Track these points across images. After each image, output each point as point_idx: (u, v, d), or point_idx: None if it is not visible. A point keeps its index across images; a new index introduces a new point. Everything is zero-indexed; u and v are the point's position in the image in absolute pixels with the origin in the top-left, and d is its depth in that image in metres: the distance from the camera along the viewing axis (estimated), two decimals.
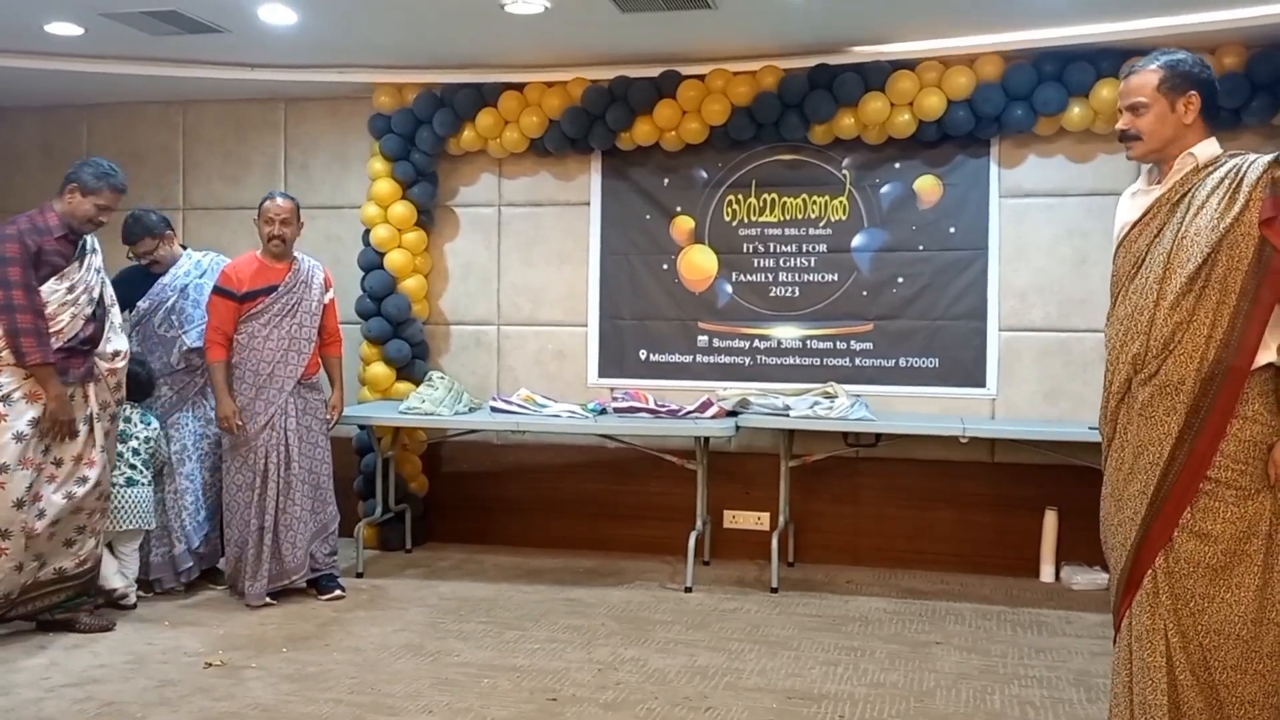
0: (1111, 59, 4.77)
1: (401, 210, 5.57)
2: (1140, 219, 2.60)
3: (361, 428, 5.47)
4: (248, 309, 4.57)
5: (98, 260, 4.21)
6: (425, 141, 5.54)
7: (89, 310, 4.09)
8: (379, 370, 5.58)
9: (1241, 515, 2.42)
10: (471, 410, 5.28)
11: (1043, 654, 3.99)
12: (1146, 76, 2.57)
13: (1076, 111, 4.86)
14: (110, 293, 4.26)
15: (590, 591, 4.83)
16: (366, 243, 5.61)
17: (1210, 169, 2.52)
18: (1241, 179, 2.44)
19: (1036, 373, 5.16)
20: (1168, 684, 2.45)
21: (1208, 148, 2.56)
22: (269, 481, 4.54)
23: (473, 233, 5.83)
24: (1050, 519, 5.02)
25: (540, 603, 4.65)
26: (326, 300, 4.79)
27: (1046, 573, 5.02)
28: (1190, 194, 2.51)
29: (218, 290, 4.59)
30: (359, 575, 5.02)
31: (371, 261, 5.59)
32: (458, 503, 5.79)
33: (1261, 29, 4.36)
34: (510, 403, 5.20)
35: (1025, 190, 5.16)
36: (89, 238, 4.18)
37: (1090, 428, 4.68)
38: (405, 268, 5.59)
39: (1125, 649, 2.56)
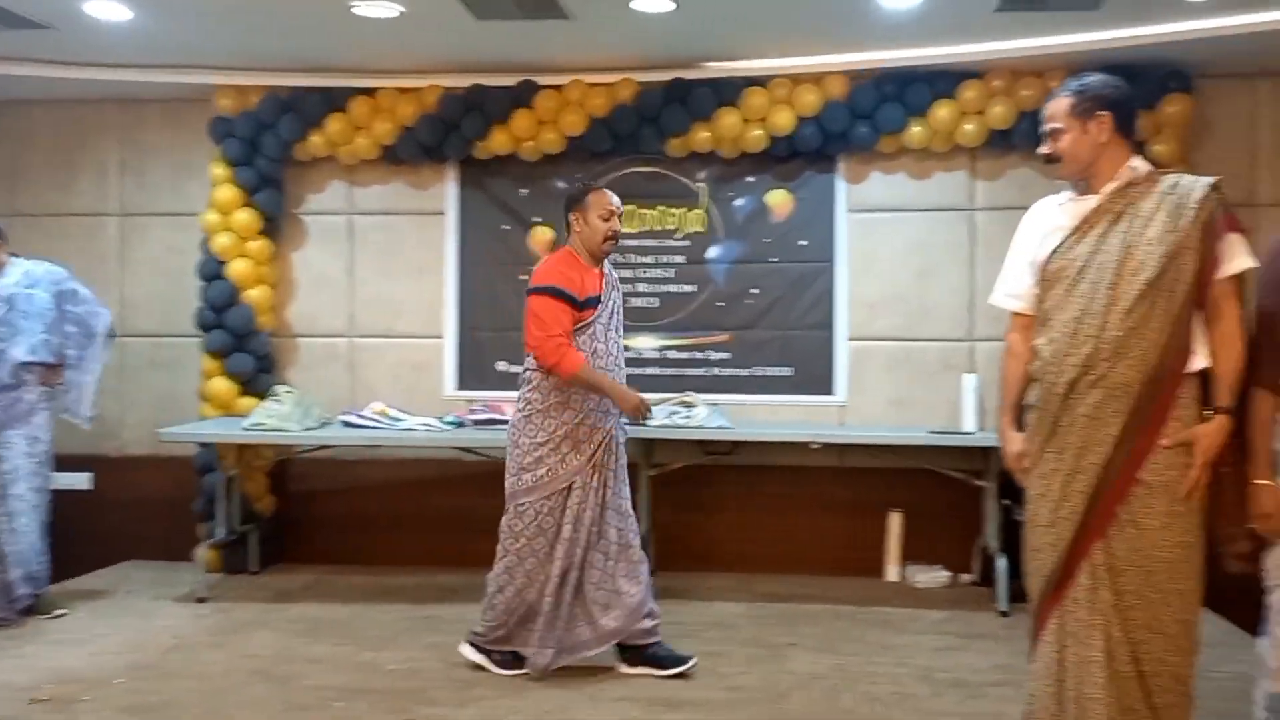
0: (947, 81, 5.02)
1: (245, 218, 5.36)
2: (1078, 227, 2.69)
3: (203, 446, 5.23)
4: (582, 318, 3.79)
5: None
6: (270, 147, 5.35)
7: None
8: (220, 385, 5.35)
9: (1174, 521, 2.55)
10: (322, 426, 5.11)
11: (889, 651, 4.13)
12: (1059, 103, 2.72)
13: (916, 130, 5.08)
14: None
15: (451, 609, 4.74)
16: (207, 252, 5.37)
17: (1149, 184, 2.66)
18: (1187, 197, 2.59)
19: (883, 381, 5.35)
20: (1107, 677, 2.54)
21: (1141, 163, 2.71)
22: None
23: (323, 242, 5.66)
24: (895, 521, 5.21)
25: (398, 622, 4.53)
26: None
27: (892, 573, 5.22)
28: (1133, 206, 2.63)
29: (557, 293, 3.74)
30: (200, 600, 4.79)
31: (212, 271, 5.36)
32: (309, 522, 5.60)
33: (1084, 55, 4.64)
34: (364, 417, 5.05)
35: (871, 205, 5.35)
36: None
37: (932, 431, 4.91)
38: (249, 278, 5.38)
39: (1056, 647, 2.63)
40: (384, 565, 5.46)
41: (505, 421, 4.97)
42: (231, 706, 3.51)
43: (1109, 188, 2.68)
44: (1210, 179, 2.62)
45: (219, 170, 5.39)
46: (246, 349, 5.38)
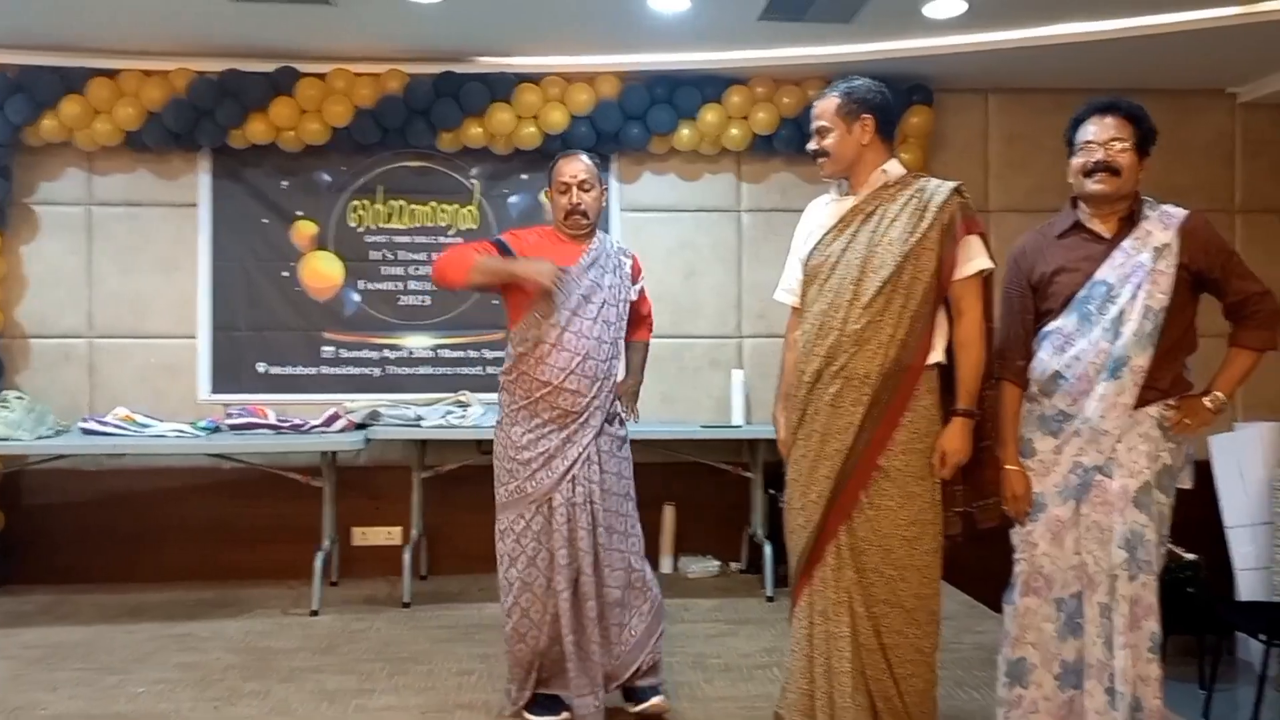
0: (714, 86, 5.17)
1: None
2: (835, 225, 2.81)
3: None
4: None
5: None
6: None
7: None
8: None
9: (908, 502, 2.69)
10: (58, 434, 4.68)
11: (665, 640, 4.19)
12: (828, 102, 2.82)
13: (685, 133, 5.21)
14: None
15: (205, 625, 4.44)
16: None
17: (900, 186, 2.78)
18: (930, 200, 2.71)
19: (653, 377, 5.40)
20: (853, 649, 2.69)
21: (896, 166, 2.83)
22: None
23: (58, 234, 5.18)
24: (669, 513, 5.32)
25: (147, 642, 4.20)
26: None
27: (666, 564, 5.32)
28: (883, 207, 2.75)
29: (493, 239, 3.37)
30: None
31: None
32: (44, 539, 5.11)
33: (839, 66, 4.87)
34: (105, 423, 4.66)
35: (643, 205, 5.44)
36: None
37: (704, 426, 5.05)
38: None
39: (807, 623, 2.76)
40: (132, 582, 5.06)
41: (266, 426, 4.75)
42: None
43: (864, 189, 2.82)
44: (953, 183, 2.78)
45: None
46: None
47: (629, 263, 3.44)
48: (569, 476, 3.21)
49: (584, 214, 3.28)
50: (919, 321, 2.70)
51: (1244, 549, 5.07)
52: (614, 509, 3.30)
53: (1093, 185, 2.79)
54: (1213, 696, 4.40)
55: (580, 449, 3.22)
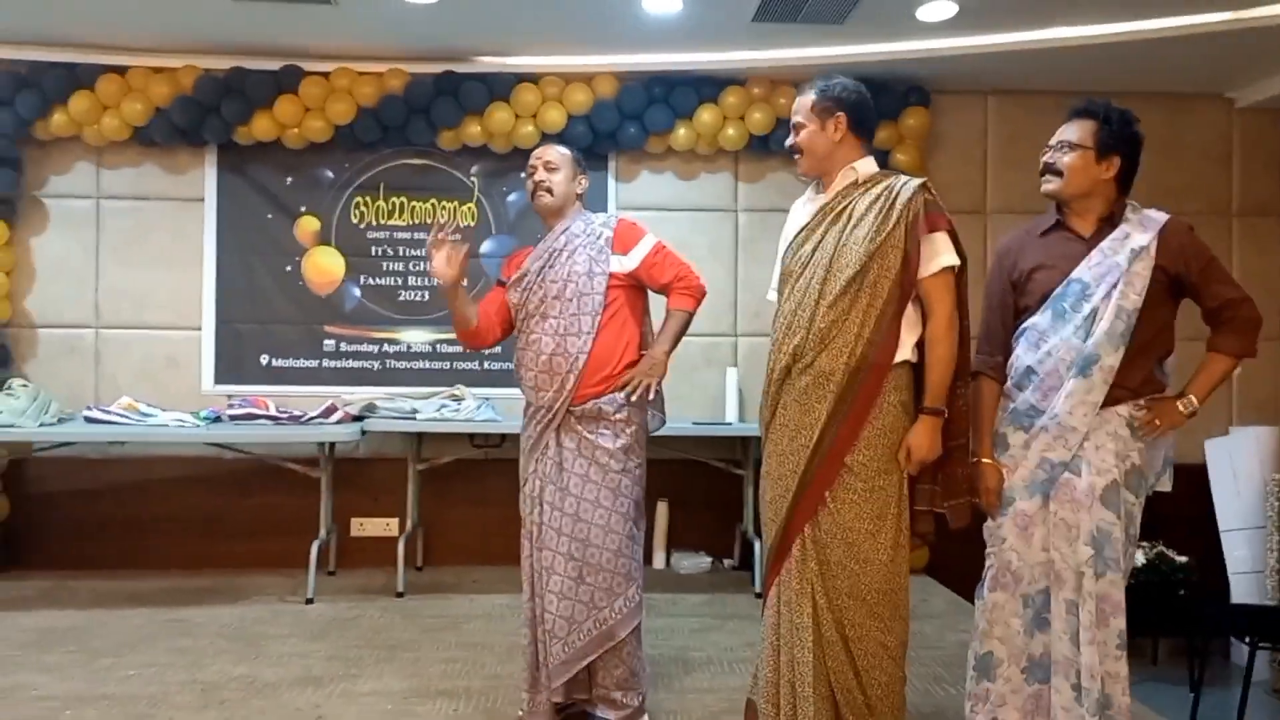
0: (711, 86, 5.22)
1: None
2: (807, 224, 2.84)
3: None
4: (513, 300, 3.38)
5: None
6: (6, 124, 5.00)
7: None
8: None
9: (871, 496, 2.70)
10: (61, 422, 4.78)
11: (650, 634, 4.23)
12: (804, 99, 2.84)
13: (682, 132, 5.26)
14: None
15: (200, 611, 4.53)
16: None
17: (869, 185, 2.79)
18: (895, 197, 2.72)
19: None
20: (814, 640, 2.71)
21: (867, 164, 2.83)
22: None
23: (66, 227, 5.29)
24: (662, 510, 5.37)
25: (141, 627, 4.29)
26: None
27: (658, 559, 5.36)
28: (851, 205, 2.77)
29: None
30: None
31: None
32: (47, 525, 5.22)
33: (834, 67, 4.89)
34: (109, 412, 4.75)
35: (640, 204, 5.48)
36: None
37: (695, 422, 5.10)
38: None
39: (774, 613, 2.79)
40: (130, 569, 5.16)
41: (266, 417, 4.83)
42: None
43: (833, 188, 2.84)
44: (919, 180, 2.77)
45: None
46: None
47: (609, 233, 3.22)
48: (533, 469, 3.19)
49: (548, 190, 3.22)
50: (885, 319, 2.70)
51: (1238, 552, 5.06)
52: (570, 512, 3.11)
53: (1042, 185, 2.88)
54: (1200, 699, 4.40)
55: (545, 445, 3.16)
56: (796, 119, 2.86)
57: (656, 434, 4.60)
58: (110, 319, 5.31)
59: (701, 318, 5.40)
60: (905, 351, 2.75)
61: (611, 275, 3.18)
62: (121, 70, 5.05)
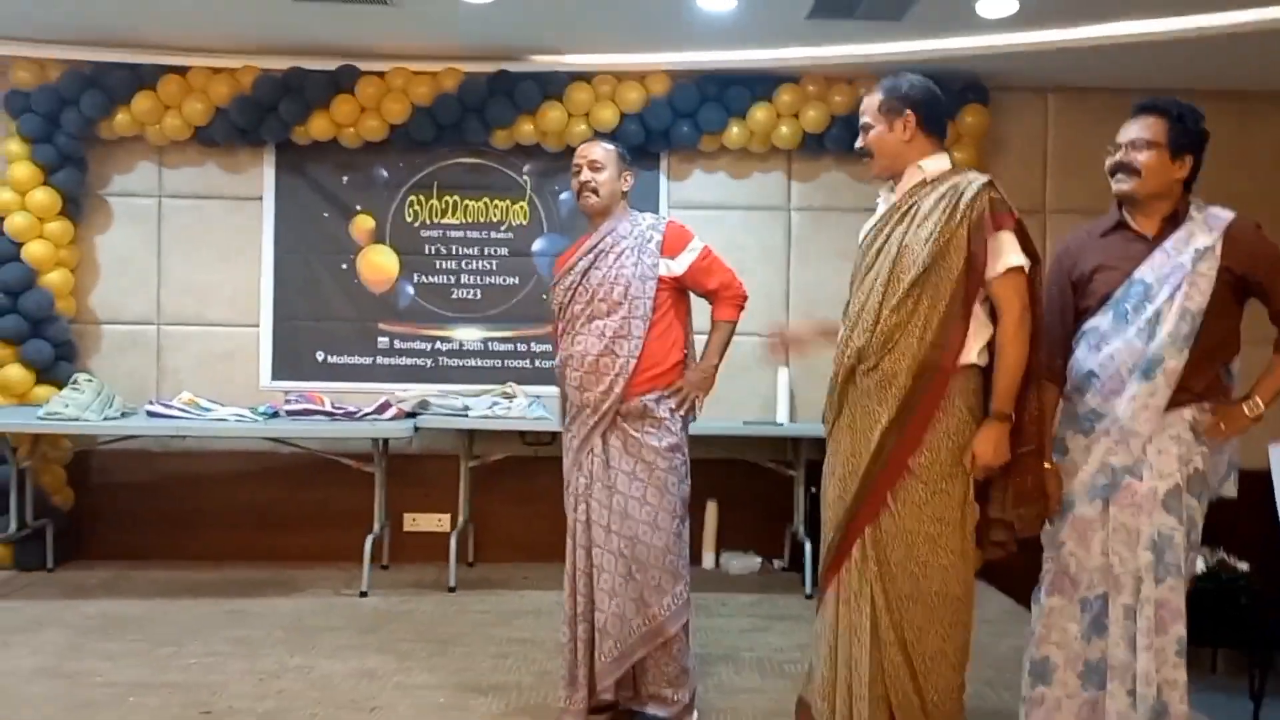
0: (765, 84, 5.20)
1: (43, 197, 5.08)
2: (876, 223, 2.81)
3: None
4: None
5: None
6: (72, 123, 5.09)
7: None
8: (14, 372, 5.05)
9: (934, 500, 2.66)
10: (124, 415, 4.89)
11: (700, 634, 4.23)
12: (871, 99, 2.80)
13: (735, 131, 5.24)
14: None
15: (257, 602, 4.61)
16: (0, 232, 5.06)
17: (936, 183, 2.73)
18: (960, 196, 2.66)
19: None
20: (871, 641, 2.68)
21: (936, 162, 2.77)
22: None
23: (129, 224, 5.41)
24: (711, 510, 5.36)
25: (200, 617, 4.38)
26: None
27: (708, 559, 5.36)
28: (917, 205, 2.72)
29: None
30: None
31: (7, 253, 5.06)
32: (110, 516, 5.34)
33: (890, 64, 4.81)
34: (170, 406, 4.85)
35: (692, 203, 5.47)
36: None
37: (746, 423, 5.09)
38: (47, 260, 5.11)
39: (833, 612, 2.77)
40: (189, 560, 5.27)
41: (321, 413, 4.91)
42: (8, 707, 3.33)
43: (901, 187, 2.80)
44: (984, 178, 2.69)
45: (14, 146, 5.10)
46: (44, 335, 5.09)
47: (658, 236, 3.22)
48: (580, 468, 3.22)
49: (594, 191, 3.22)
50: (949, 322, 2.64)
51: None
52: (619, 510, 3.14)
53: (1115, 185, 2.78)
54: (1261, 708, 4.30)
55: (591, 444, 3.19)
56: (864, 120, 2.82)
57: (706, 434, 4.54)
58: (171, 315, 5.42)
59: (753, 317, 5.40)
60: (972, 355, 2.69)
61: (660, 279, 3.20)
62: (182, 71, 5.15)
